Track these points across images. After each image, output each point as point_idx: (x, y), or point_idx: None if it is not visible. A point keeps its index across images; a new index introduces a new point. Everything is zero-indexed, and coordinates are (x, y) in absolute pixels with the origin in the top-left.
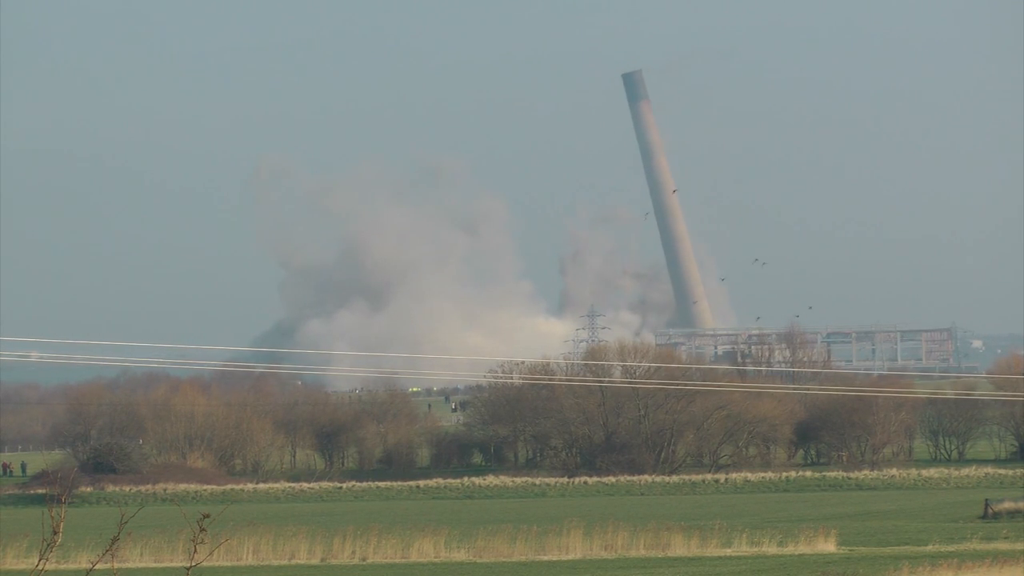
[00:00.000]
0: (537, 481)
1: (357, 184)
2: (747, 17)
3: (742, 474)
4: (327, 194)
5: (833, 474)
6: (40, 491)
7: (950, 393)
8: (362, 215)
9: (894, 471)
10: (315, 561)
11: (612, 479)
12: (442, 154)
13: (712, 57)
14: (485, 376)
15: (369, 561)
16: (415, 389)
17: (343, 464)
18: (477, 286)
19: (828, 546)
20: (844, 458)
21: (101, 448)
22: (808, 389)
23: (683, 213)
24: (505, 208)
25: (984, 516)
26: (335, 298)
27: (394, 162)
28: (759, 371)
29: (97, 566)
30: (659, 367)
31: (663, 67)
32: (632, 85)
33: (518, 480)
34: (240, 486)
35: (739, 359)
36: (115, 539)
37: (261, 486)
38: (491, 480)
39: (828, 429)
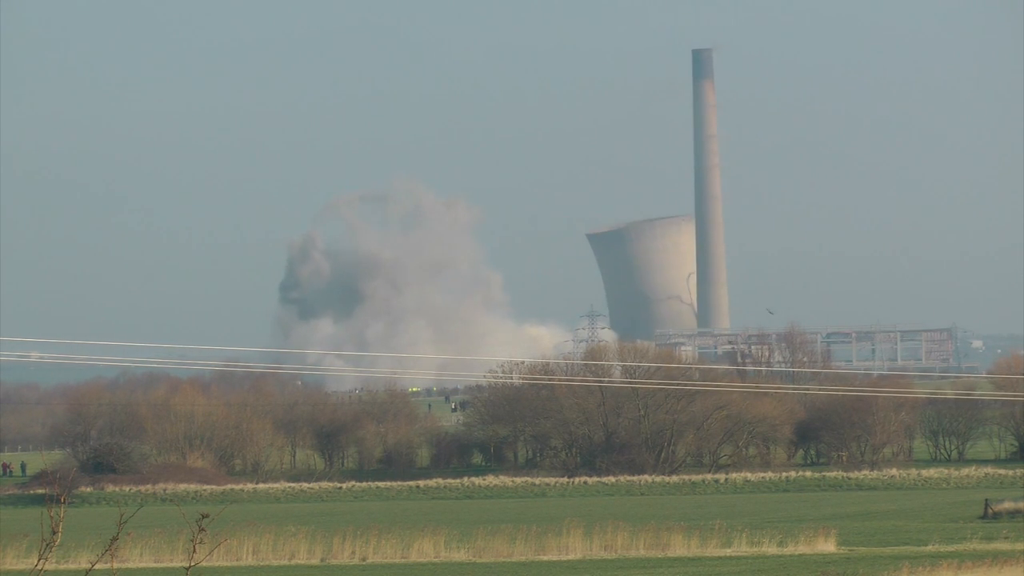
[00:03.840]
0: (537, 481)
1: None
2: (746, 14)
3: (742, 474)
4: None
5: (833, 474)
6: (40, 491)
7: (950, 393)
8: (356, 231)
9: (894, 471)
10: (315, 561)
11: (612, 479)
12: (415, 182)
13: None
14: (485, 376)
15: (369, 561)
16: (415, 389)
17: (343, 464)
18: (457, 293)
19: (828, 546)
20: (844, 458)
21: (101, 448)
22: (808, 389)
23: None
24: (467, 207)
25: (984, 516)
26: (321, 308)
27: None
28: (759, 371)
29: (97, 566)
30: (659, 367)
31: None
32: (700, 63)
33: (518, 480)
34: (240, 486)
35: (739, 359)
36: (114, 539)
37: (261, 486)
38: (491, 480)
39: (828, 429)
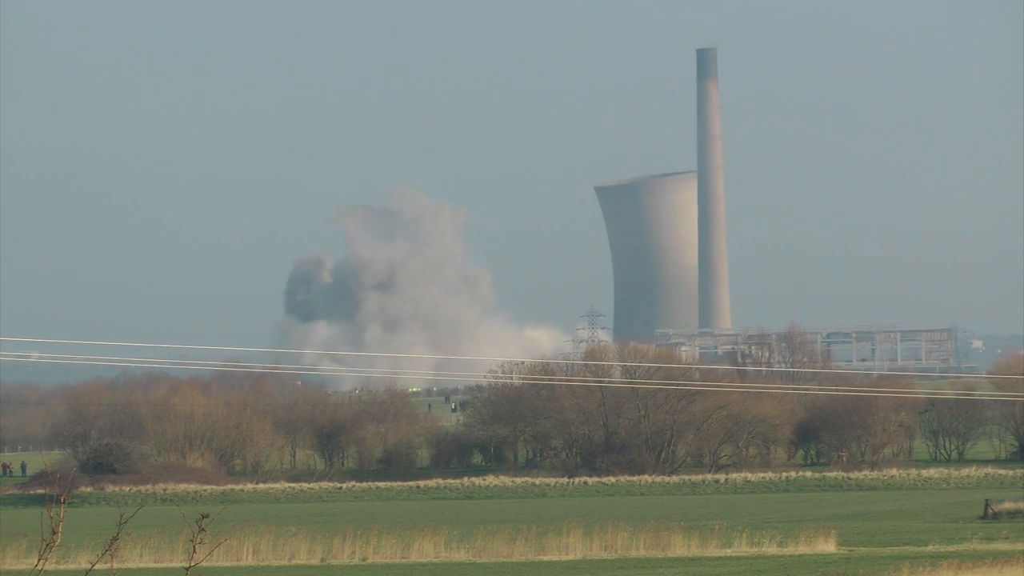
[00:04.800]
0: (537, 481)
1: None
2: (750, 14)
3: (742, 474)
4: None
5: (833, 474)
6: (40, 491)
7: (950, 393)
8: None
9: (894, 471)
10: (315, 561)
11: (612, 479)
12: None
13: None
14: (485, 376)
15: (369, 561)
16: (415, 389)
17: (343, 464)
18: (456, 299)
19: (828, 546)
20: (844, 458)
21: (101, 448)
22: (808, 389)
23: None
24: (466, 212)
25: (984, 516)
26: (324, 316)
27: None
28: (759, 371)
29: (97, 566)
30: (659, 367)
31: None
32: (704, 62)
33: (518, 480)
34: (240, 486)
35: (739, 359)
36: (114, 539)
37: (261, 486)
38: (491, 480)
39: (828, 429)
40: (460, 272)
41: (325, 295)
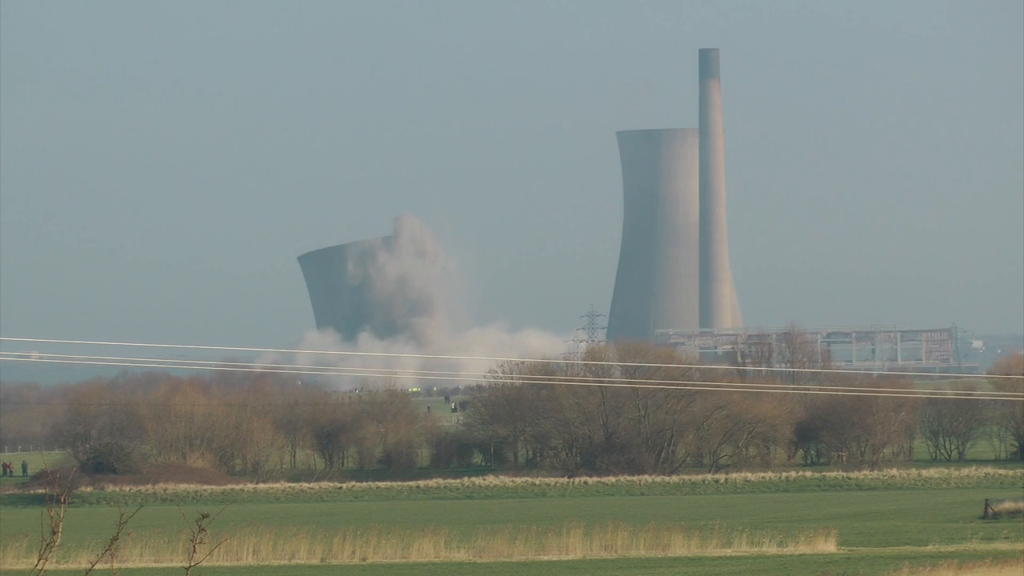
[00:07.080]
0: (537, 481)
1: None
2: (752, 14)
3: (742, 474)
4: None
5: (833, 474)
6: (40, 491)
7: (950, 393)
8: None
9: (894, 471)
10: (315, 561)
11: (612, 479)
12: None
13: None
14: (485, 376)
15: (369, 561)
16: (415, 389)
17: (343, 464)
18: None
19: (828, 546)
20: (844, 458)
21: (101, 448)
22: (808, 389)
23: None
24: (466, 239)
25: (984, 516)
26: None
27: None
28: (759, 371)
29: (97, 566)
30: (659, 367)
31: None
32: (706, 62)
33: (518, 480)
34: (240, 486)
35: (739, 359)
36: (114, 539)
37: (261, 486)
38: (491, 480)
39: (828, 429)
40: (451, 283)
41: (345, 317)
